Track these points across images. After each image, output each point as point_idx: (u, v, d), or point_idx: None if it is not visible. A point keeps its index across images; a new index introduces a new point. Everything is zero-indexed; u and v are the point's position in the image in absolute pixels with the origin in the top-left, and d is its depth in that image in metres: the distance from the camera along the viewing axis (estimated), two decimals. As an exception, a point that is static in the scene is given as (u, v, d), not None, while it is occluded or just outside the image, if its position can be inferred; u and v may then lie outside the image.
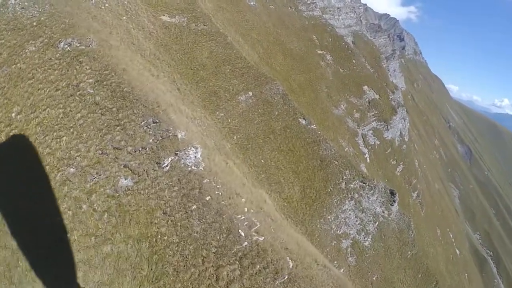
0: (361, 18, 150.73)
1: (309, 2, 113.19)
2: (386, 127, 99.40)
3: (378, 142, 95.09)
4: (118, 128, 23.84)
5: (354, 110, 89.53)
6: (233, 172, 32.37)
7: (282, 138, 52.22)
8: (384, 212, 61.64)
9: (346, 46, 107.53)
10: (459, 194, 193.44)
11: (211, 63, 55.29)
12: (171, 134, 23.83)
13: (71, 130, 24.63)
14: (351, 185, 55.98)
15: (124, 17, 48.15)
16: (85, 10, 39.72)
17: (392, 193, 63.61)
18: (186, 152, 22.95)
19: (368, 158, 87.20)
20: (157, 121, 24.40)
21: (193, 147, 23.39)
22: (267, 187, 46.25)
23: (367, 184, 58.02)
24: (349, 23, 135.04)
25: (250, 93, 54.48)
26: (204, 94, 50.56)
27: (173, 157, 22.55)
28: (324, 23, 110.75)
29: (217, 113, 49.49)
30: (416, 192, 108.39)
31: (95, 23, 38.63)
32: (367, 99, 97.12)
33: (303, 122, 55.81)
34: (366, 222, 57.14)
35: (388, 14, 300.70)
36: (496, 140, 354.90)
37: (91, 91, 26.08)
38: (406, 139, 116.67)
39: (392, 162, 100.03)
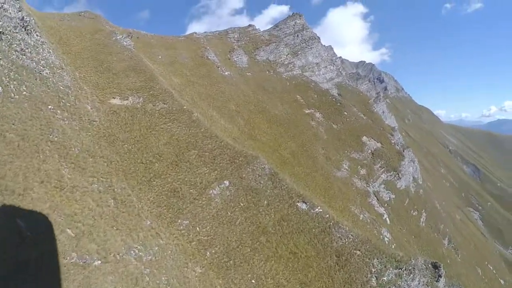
0: (340, 70, 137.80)
1: (286, 62, 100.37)
2: (397, 176, 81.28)
3: (393, 196, 76.62)
4: None
5: (359, 167, 72.05)
6: None
7: (279, 238, 34.36)
8: (430, 295, 42.22)
9: (333, 99, 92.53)
10: (480, 215, 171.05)
11: (171, 150, 39.26)
12: None
13: None
14: (385, 278, 37.28)
15: (51, 106, 33.58)
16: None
17: (435, 266, 44.41)
18: None
19: (387, 219, 68.44)
20: None
21: None
22: (267, 323, 27.84)
23: (403, 268, 39.18)
24: (331, 76, 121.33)
25: (227, 183, 37.64)
26: (159, 196, 33.80)
27: None
28: (306, 81, 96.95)
29: (179, 221, 32.28)
30: (447, 238, 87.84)
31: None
32: (370, 151, 79.93)
33: (304, 206, 38.20)
34: (412, 318, 38.06)
35: (364, 61, 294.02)
36: (496, 148, 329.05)
37: None
38: (420, 182, 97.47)
39: (414, 213, 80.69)
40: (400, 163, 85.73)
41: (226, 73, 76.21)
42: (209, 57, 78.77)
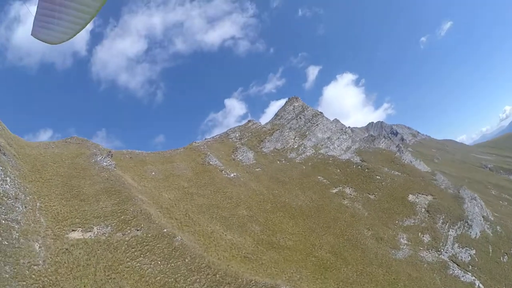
0: (353, 137, 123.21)
1: (296, 146, 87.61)
2: (466, 224, 60.77)
3: (473, 251, 55.97)
4: None
5: (420, 234, 53.20)
6: None
7: None
8: None
9: (359, 167, 76.63)
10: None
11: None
12: None
13: None
14: None
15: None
16: None
17: None
18: None
19: (481, 285, 47.44)
20: None
21: None
22: None
23: None
24: (347, 145, 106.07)
25: None
26: None
27: None
28: (323, 158, 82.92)
29: None
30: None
31: None
32: (423, 209, 61.08)
33: None
34: None
35: (372, 122, 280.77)
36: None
37: None
38: (492, 218, 74.02)
39: (504, 259, 58.16)
40: (462, 207, 65.38)
41: (232, 175, 63.25)
42: (210, 163, 67.00)
